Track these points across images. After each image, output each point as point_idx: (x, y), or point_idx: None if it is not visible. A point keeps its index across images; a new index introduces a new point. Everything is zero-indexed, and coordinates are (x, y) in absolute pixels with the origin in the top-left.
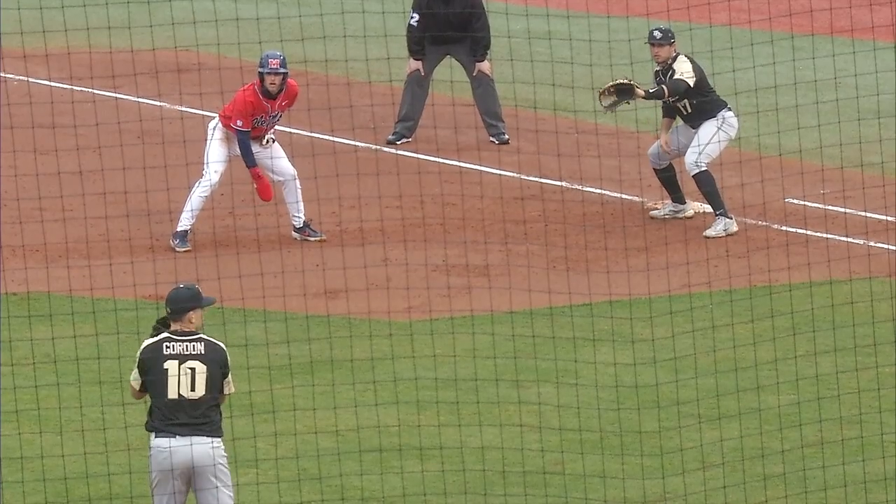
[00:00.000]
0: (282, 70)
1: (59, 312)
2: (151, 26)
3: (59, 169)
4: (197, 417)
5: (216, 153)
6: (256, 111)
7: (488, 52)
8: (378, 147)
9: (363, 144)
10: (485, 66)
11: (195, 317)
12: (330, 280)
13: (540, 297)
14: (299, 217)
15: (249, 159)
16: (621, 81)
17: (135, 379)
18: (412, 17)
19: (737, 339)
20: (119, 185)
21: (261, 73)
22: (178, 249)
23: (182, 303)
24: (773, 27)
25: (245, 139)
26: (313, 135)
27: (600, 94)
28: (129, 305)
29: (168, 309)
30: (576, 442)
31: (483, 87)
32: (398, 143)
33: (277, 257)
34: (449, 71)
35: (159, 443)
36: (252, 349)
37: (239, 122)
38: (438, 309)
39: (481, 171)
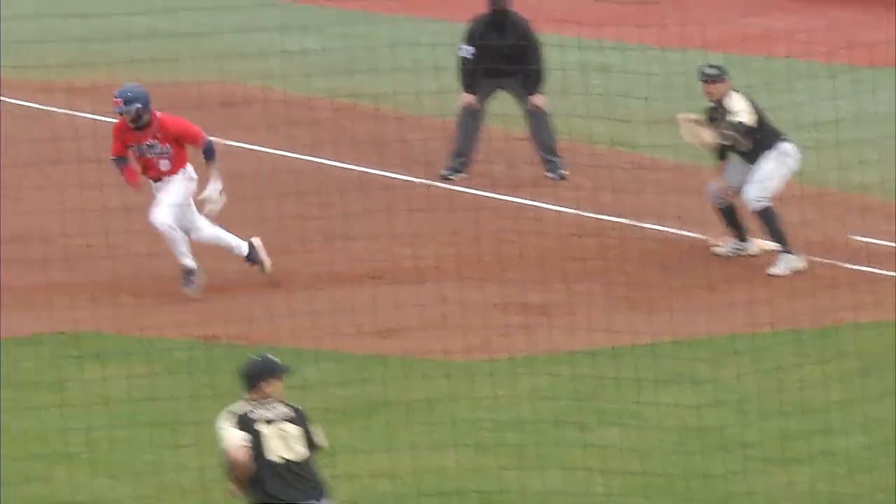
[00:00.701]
0: (122, 108)
1: (110, 351)
2: (197, 59)
3: (105, 204)
4: (306, 479)
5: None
6: (125, 138)
7: (543, 85)
8: (431, 183)
9: (416, 180)
10: (539, 99)
11: (269, 388)
12: (384, 319)
13: (601, 336)
14: (241, 248)
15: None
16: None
17: (243, 440)
18: (465, 50)
19: (804, 379)
20: None
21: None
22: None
23: (252, 375)
24: (832, 60)
25: (116, 167)
26: (363, 169)
27: (691, 127)
28: (180, 346)
29: (241, 382)
30: (640, 486)
31: (538, 121)
32: (452, 178)
33: (328, 296)
34: (503, 104)
35: None
36: (308, 391)
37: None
38: (497, 349)
39: (538, 206)
